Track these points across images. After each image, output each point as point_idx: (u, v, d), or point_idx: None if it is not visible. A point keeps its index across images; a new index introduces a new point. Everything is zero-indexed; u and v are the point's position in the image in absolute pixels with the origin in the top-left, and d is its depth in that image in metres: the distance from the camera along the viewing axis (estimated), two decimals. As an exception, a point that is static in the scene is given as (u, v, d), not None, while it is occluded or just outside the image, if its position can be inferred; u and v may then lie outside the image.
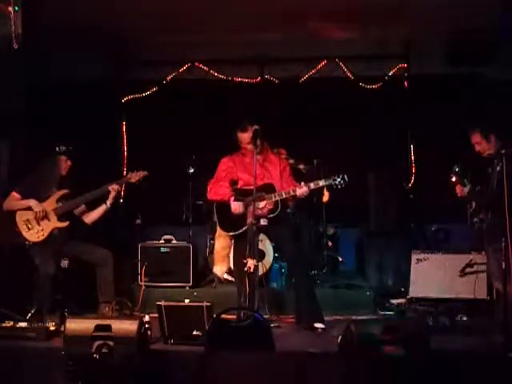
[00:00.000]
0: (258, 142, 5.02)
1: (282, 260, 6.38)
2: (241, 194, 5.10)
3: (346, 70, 7.51)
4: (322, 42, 7.05)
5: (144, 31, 6.62)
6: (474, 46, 6.80)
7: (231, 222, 5.14)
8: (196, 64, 7.63)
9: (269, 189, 5.04)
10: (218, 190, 5.22)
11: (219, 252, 5.89)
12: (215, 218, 5.39)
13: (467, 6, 5.87)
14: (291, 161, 5.52)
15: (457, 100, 7.16)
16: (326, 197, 5.20)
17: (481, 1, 5.85)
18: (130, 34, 6.72)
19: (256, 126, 4.95)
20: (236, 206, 5.08)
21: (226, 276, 6.36)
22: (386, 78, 7.53)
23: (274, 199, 5.00)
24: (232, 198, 5.10)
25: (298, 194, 4.94)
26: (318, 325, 4.97)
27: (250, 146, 5.09)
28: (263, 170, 5.18)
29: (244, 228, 5.00)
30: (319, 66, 7.55)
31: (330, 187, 5.00)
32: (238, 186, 5.22)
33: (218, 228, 5.42)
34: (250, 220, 4.85)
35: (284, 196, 4.99)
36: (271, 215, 4.99)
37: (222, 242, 5.81)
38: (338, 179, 4.90)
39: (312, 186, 4.95)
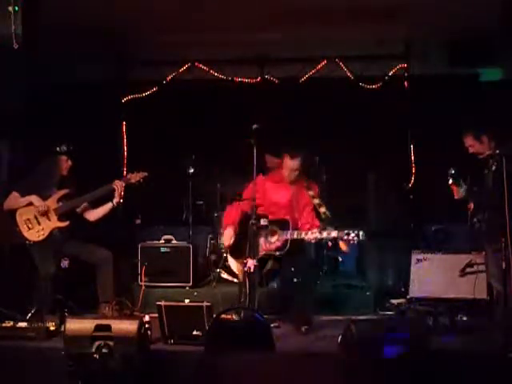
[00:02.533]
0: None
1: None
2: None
3: (346, 70, 7.51)
4: (322, 41, 7.05)
5: (144, 31, 6.62)
6: (474, 46, 6.80)
7: (241, 250, 5.09)
8: (196, 64, 7.62)
9: (283, 225, 5.03)
10: (230, 212, 5.31)
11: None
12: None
13: (467, 6, 5.87)
14: (316, 200, 5.39)
15: (457, 100, 7.16)
16: (343, 246, 5.15)
17: (481, 1, 5.85)
18: (130, 34, 6.72)
19: (256, 125, 4.94)
20: (227, 237, 5.15)
21: (225, 276, 6.37)
22: (386, 78, 7.53)
23: (284, 237, 4.98)
24: (231, 227, 5.17)
25: (306, 238, 4.95)
26: (303, 327, 4.99)
27: (293, 175, 5.18)
28: (292, 201, 5.23)
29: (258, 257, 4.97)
30: (319, 65, 7.54)
31: (341, 239, 4.94)
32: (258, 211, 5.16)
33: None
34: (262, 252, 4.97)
35: (296, 237, 4.97)
36: (278, 253, 5.01)
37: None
38: (352, 234, 4.80)
39: (324, 234, 4.92)
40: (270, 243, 5.04)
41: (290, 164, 5.20)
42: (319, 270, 6.49)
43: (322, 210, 5.22)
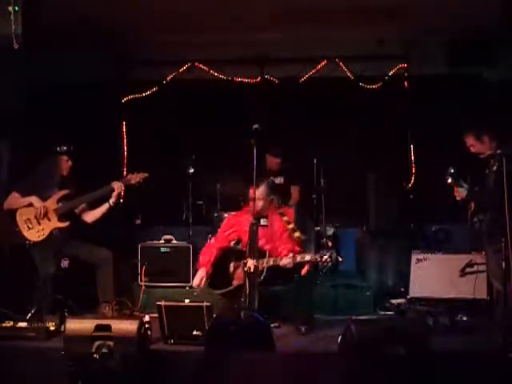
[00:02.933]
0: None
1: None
2: (236, 255, 5.17)
3: (346, 70, 7.51)
4: (322, 41, 7.05)
5: (144, 31, 6.63)
6: (474, 46, 6.80)
7: (219, 280, 5.23)
8: (196, 64, 7.63)
9: (261, 255, 4.99)
10: (206, 252, 5.36)
11: None
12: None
13: (467, 6, 5.87)
14: (291, 226, 5.40)
15: (457, 100, 7.15)
16: (304, 271, 5.14)
17: (481, 1, 5.85)
18: (129, 34, 6.72)
19: (256, 125, 4.93)
20: (197, 278, 5.20)
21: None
22: (386, 78, 7.53)
23: (260, 266, 4.90)
24: (204, 269, 5.22)
25: (281, 264, 4.94)
26: (303, 327, 5.01)
27: (260, 204, 5.16)
28: (266, 229, 5.20)
29: (227, 289, 5.10)
30: (319, 65, 7.54)
31: (314, 263, 4.92)
32: (240, 247, 5.24)
33: None
34: (235, 283, 5.05)
35: (271, 264, 4.97)
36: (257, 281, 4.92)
37: None
38: (325, 257, 4.75)
39: (298, 259, 4.91)
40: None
41: (256, 193, 5.11)
42: (318, 271, 6.48)
43: (297, 234, 5.26)
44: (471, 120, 5.38)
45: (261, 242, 5.07)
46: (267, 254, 5.08)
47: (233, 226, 5.37)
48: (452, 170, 5.06)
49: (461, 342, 4.59)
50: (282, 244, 5.23)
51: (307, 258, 4.90)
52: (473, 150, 4.96)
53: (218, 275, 5.26)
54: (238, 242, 5.29)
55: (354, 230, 7.39)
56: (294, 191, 7.05)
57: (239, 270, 5.02)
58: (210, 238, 5.72)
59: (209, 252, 5.35)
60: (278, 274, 5.02)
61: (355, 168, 7.23)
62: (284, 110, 7.46)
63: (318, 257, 4.80)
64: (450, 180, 5.06)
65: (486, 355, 4.06)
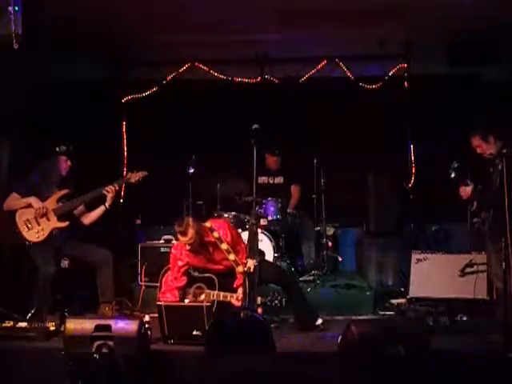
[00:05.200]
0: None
1: (282, 260, 6.39)
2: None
3: (346, 70, 7.51)
4: (322, 42, 7.05)
5: (144, 31, 6.62)
6: (474, 46, 6.80)
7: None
8: (196, 64, 7.62)
9: (210, 283, 4.91)
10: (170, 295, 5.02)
11: None
12: None
13: (467, 6, 5.87)
14: (224, 246, 4.99)
15: (457, 100, 7.16)
16: (235, 302, 4.89)
17: (481, 1, 5.85)
18: (129, 34, 6.72)
19: (256, 125, 4.93)
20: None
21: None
22: (386, 78, 7.53)
23: (211, 298, 4.83)
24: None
25: (230, 302, 4.83)
26: (319, 321, 5.06)
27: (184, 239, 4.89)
28: (206, 255, 5.03)
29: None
30: (319, 65, 7.55)
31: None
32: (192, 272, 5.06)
33: None
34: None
35: (221, 299, 4.83)
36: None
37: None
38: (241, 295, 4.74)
39: (221, 297, 4.81)
40: (199, 302, 4.85)
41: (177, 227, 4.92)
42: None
43: (231, 257, 4.94)
44: (476, 120, 5.38)
45: (211, 268, 5.00)
46: (216, 284, 4.91)
47: (180, 260, 5.06)
48: (456, 165, 5.07)
49: (461, 342, 4.59)
50: (221, 264, 5.05)
51: (222, 297, 4.82)
52: (479, 150, 4.97)
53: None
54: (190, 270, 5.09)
55: (354, 229, 7.40)
56: (294, 191, 7.06)
57: (190, 298, 4.93)
58: (165, 274, 5.24)
59: (173, 295, 5.02)
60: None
61: (355, 168, 7.23)
62: (284, 110, 7.46)
63: (233, 297, 4.78)
64: (453, 175, 5.07)
65: (486, 355, 4.06)
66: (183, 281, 5.04)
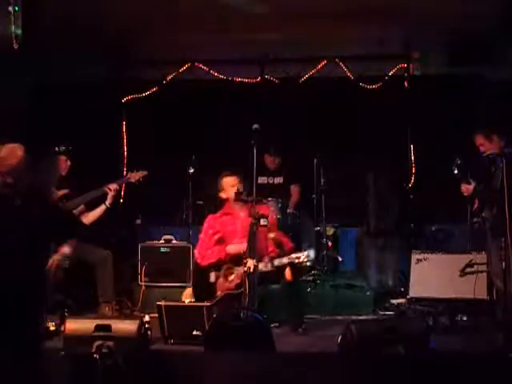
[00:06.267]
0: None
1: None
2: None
3: (346, 70, 7.51)
4: (322, 41, 7.05)
5: (144, 31, 6.62)
6: (474, 46, 6.80)
7: (203, 291, 5.05)
8: (196, 64, 7.62)
9: (238, 260, 4.91)
10: (211, 254, 5.09)
11: None
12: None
13: (467, 6, 5.87)
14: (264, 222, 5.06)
15: (457, 100, 7.16)
16: (288, 275, 5.06)
17: (481, 1, 5.84)
18: (130, 34, 6.72)
19: (256, 125, 4.93)
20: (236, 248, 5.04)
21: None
22: (386, 78, 7.53)
23: (240, 273, 4.83)
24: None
25: (264, 269, 4.85)
26: (299, 327, 5.02)
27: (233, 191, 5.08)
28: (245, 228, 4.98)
29: (213, 301, 4.86)
30: (319, 65, 7.54)
31: (292, 264, 4.88)
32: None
33: None
34: (219, 294, 4.86)
35: (251, 271, 4.76)
36: (239, 290, 4.79)
37: None
38: (302, 257, 4.77)
39: (276, 262, 4.87)
40: (229, 282, 4.94)
41: (229, 180, 5.16)
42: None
43: (271, 235, 5.04)
44: (481, 120, 5.38)
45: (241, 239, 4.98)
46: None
47: (214, 228, 5.18)
48: (459, 161, 5.07)
49: (461, 342, 4.59)
50: (262, 245, 5.04)
51: (284, 260, 4.87)
52: (482, 149, 4.97)
53: (201, 288, 5.13)
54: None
55: (354, 229, 7.40)
56: (294, 191, 7.05)
57: (221, 280, 4.95)
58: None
59: (212, 251, 5.11)
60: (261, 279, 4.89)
61: (355, 168, 7.23)
62: (284, 110, 7.46)
63: (294, 258, 4.80)
64: (456, 171, 5.08)
65: (486, 355, 4.05)
66: (217, 251, 5.01)
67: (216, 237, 5.13)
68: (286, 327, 5.05)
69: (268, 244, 5.12)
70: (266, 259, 4.94)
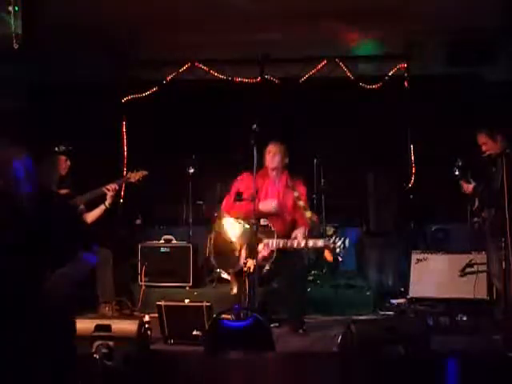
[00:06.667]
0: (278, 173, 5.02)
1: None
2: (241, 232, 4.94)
3: (346, 70, 7.51)
4: (322, 41, 7.05)
5: (144, 31, 6.62)
6: (474, 46, 6.80)
7: (227, 259, 5.00)
8: (196, 64, 7.62)
9: (269, 233, 4.88)
10: (239, 206, 4.98)
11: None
12: (212, 260, 5.22)
13: (467, 6, 5.87)
14: (301, 203, 5.02)
15: (457, 100, 7.16)
16: (328, 256, 4.96)
17: (481, 1, 5.85)
18: (130, 34, 6.72)
19: (254, 126, 4.93)
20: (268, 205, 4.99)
21: (225, 276, 6.36)
22: (386, 78, 7.53)
23: (269, 247, 4.82)
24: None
25: (291, 246, 4.81)
26: (300, 328, 4.98)
27: (275, 162, 5.09)
28: (280, 200, 5.05)
29: (238, 269, 4.87)
30: (319, 65, 7.54)
31: (327, 247, 4.79)
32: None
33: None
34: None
35: (281, 246, 4.80)
36: (265, 264, 4.79)
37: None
38: (339, 243, 4.68)
39: (311, 244, 4.78)
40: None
41: (273, 147, 5.11)
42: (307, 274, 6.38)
43: (308, 214, 4.93)
44: (485, 119, 5.37)
45: (269, 220, 4.93)
46: (275, 235, 4.87)
47: (248, 185, 4.91)
48: (460, 163, 5.07)
49: (461, 342, 4.58)
50: (292, 218, 5.03)
51: (320, 243, 4.78)
52: (484, 148, 4.96)
53: (225, 255, 5.02)
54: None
55: (354, 229, 7.40)
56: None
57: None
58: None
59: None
60: (286, 259, 4.89)
61: (355, 168, 7.23)
62: (284, 110, 7.46)
63: (330, 243, 4.70)
64: (457, 172, 5.08)
65: (486, 355, 4.05)
66: (246, 205, 4.85)
67: (247, 194, 4.95)
68: (286, 327, 5.04)
69: (299, 216, 5.03)
70: (299, 235, 4.81)
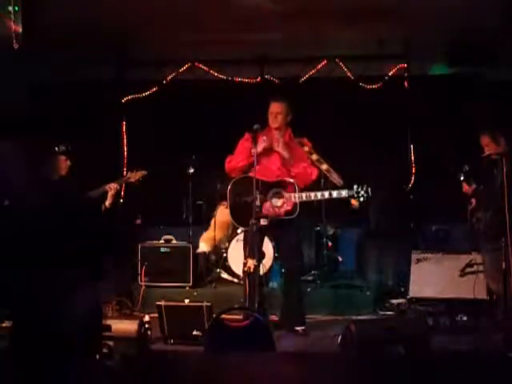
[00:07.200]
0: (265, 137, 4.92)
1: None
2: (261, 188, 4.76)
3: (346, 70, 7.51)
4: (322, 41, 7.05)
5: (144, 31, 6.62)
6: (474, 46, 6.80)
7: (245, 216, 4.78)
8: (196, 64, 7.63)
9: (289, 187, 4.80)
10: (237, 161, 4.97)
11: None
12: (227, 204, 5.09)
13: (467, 6, 5.87)
14: (314, 156, 5.04)
15: (457, 100, 7.16)
16: (354, 202, 4.90)
17: (481, 1, 5.84)
18: (130, 34, 6.72)
19: (256, 125, 4.93)
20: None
21: (225, 276, 6.37)
22: (386, 78, 7.53)
23: (292, 200, 4.76)
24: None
25: (315, 199, 4.78)
26: (299, 327, 4.98)
27: (279, 120, 4.99)
28: (285, 160, 4.93)
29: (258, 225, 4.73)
30: (319, 65, 7.55)
31: (352, 197, 4.76)
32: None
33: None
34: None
35: (304, 199, 4.75)
36: (287, 217, 4.75)
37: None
38: (362, 192, 4.69)
39: (335, 194, 4.74)
40: (277, 208, 4.76)
41: (274, 107, 5.04)
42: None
43: (324, 167, 4.89)
44: (478, 120, 5.37)
45: (276, 173, 4.88)
46: (296, 187, 4.77)
47: (249, 142, 4.89)
48: (467, 169, 5.08)
49: (461, 342, 4.59)
50: (298, 171, 4.94)
51: (344, 194, 4.73)
52: (487, 149, 4.96)
53: (243, 210, 4.85)
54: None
55: (354, 230, 7.40)
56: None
57: (267, 204, 4.77)
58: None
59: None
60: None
61: (355, 168, 7.22)
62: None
63: (354, 192, 4.67)
64: (462, 178, 5.09)
65: (486, 355, 4.05)
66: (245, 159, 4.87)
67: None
68: (287, 327, 5.04)
69: (310, 171, 4.97)
70: (336, 177, 4.78)
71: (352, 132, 7.34)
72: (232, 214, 5.00)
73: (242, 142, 5.10)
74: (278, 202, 4.79)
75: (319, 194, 4.77)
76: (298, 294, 5.10)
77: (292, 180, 4.84)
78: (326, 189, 4.91)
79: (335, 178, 4.83)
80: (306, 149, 5.04)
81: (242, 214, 4.88)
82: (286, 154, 4.93)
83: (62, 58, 6.80)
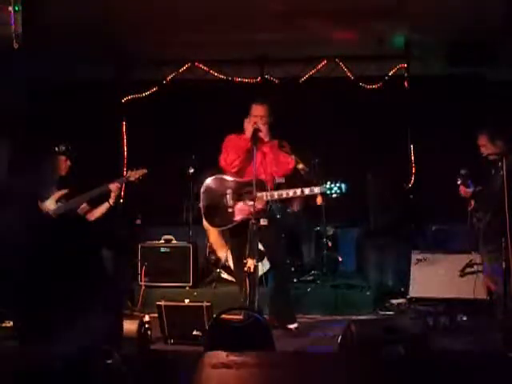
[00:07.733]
0: (268, 136, 4.95)
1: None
2: (236, 187, 4.90)
3: (346, 70, 7.51)
4: (322, 41, 7.05)
5: (144, 31, 6.62)
6: (474, 46, 6.80)
7: (218, 216, 4.92)
8: (196, 64, 7.63)
9: (260, 186, 4.79)
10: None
11: (216, 242, 6.12)
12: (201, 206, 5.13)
13: (467, 6, 5.87)
14: (292, 157, 5.22)
15: (457, 100, 7.16)
16: (319, 200, 4.98)
17: (481, 1, 5.84)
18: (130, 34, 6.72)
19: (256, 126, 4.93)
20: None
21: (225, 276, 6.37)
22: (386, 78, 7.53)
23: (264, 199, 4.78)
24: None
25: (287, 197, 4.80)
26: (292, 325, 4.99)
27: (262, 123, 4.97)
28: (264, 161, 4.94)
29: (230, 225, 4.88)
30: (319, 65, 7.55)
31: (324, 194, 4.80)
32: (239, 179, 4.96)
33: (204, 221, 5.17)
34: (238, 218, 4.78)
35: (276, 197, 4.78)
36: (262, 218, 4.70)
37: (212, 233, 6.15)
38: (335, 188, 4.70)
39: (307, 191, 4.76)
40: (251, 207, 4.70)
41: (258, 110, 5.03)
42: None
43: (300, 166, 5.17)
44: (486, 121, 5.37)
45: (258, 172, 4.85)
46: (267, 186, 4.80)
47: (234, 149, 5.01)
48: (463, 172, 5.09)
49: (461, 342, 4.59)
50: (285, 163, 4.99)
51: (316, 190, 4.76)
52: (483, 150, 4.96)
53: (216, 210, 4.95)
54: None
55: (354, 229, 7.40)
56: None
57: (240, 205, 4.82)
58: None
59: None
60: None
61: (355, 168, 7.22)
62: (284, 110, 7.44)
63: (327, 189, 4.69)
64: (459, 181, 5.10)
65: (486, 355, 4.05)
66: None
67: (233, 162, 5.03)
68: (279, 325, 5.03)
69: (287, 161, 5.05)
70: (298, 189, 4.76)
71: (352, 132, 7.34)
72: (205, 214, 5.04)
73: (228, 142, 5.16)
74: (250, 202, 4.78)
75: (291, 192, 4.78)
76: (284, 291, 5.09)
77: (264, 179, 4.84)
78: (297, 186, 4.88)
79: (310, 176, 5.04)
80: (285, 150, 5.17)
81: (214, 215, 4.97)
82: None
83: (62, 57, 6.80)
